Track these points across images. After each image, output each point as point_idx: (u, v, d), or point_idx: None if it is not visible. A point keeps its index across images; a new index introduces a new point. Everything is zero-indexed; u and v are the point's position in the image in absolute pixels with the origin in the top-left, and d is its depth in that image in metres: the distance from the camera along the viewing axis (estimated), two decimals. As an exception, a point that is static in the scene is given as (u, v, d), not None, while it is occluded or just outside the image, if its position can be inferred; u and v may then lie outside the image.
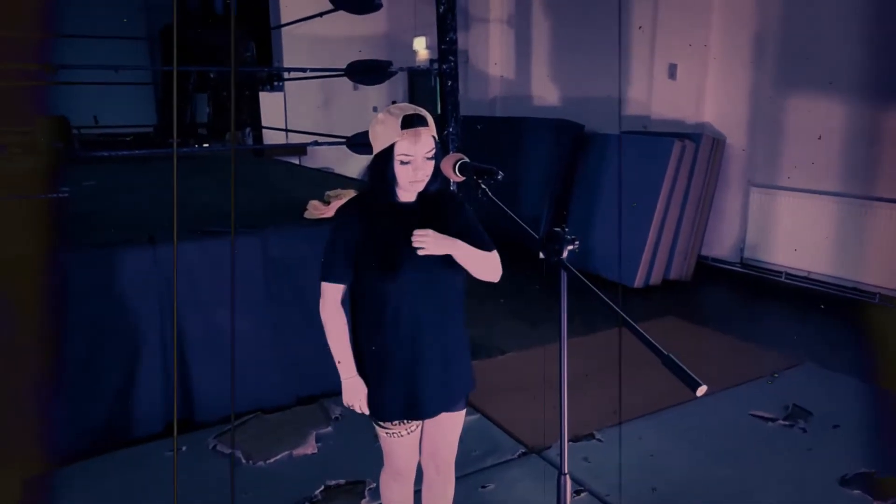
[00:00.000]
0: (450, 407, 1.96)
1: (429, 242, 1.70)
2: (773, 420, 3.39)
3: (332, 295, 1.86)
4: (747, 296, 5.64)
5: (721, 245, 6.07)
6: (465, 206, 1.91)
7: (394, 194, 1.80)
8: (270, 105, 8.33)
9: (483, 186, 1.61)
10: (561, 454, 1.54)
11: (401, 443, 1.96)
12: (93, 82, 7.56)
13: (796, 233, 5.47)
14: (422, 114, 1.75)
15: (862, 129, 5.03)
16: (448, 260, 1.78)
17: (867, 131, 5.00)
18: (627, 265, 5.62)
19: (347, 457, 3.03)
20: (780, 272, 5.63)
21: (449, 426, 2.03)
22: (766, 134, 5.66)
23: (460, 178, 1.70)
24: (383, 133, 1.73)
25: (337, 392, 3.45)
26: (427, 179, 1.78)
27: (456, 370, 1.93)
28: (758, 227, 5.77)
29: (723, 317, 5.25)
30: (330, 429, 3.27)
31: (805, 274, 5.46)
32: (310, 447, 3.11)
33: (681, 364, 1.13)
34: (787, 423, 3.37)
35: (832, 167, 5.25)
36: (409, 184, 1.76)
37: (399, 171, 1.74)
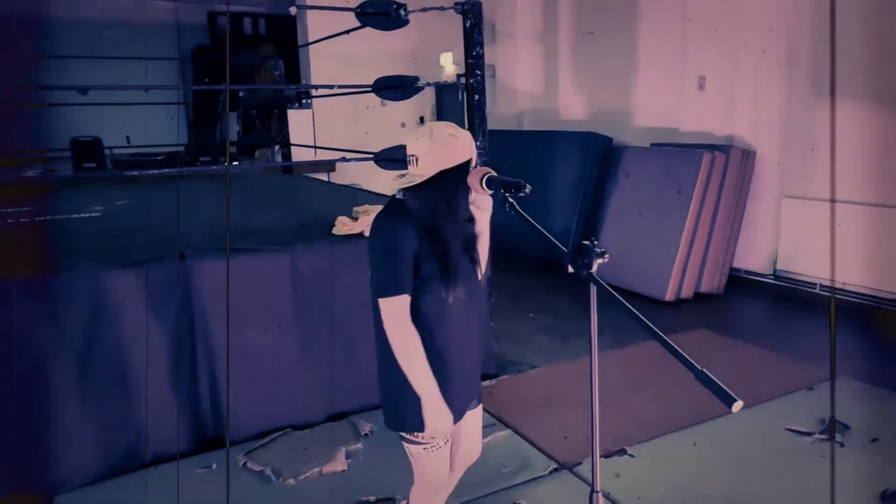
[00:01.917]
0: (475, 403, 2.06)
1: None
2: (809, 434, 3.30)
3: (404, 309, 1.78)
4: (781, 308, 5.52)
5: (754, 257, 5.96)
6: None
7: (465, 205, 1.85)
8: (299, 122, 8.44)
9: (510, 200, 1.62)
10: (593, 471, 1.52)
11: (441, 454, 1.94)
12: (125, 103, 7.77)
13: (829, 243, 5.34)
14: None
15: (897, 137, 4.92)
16: (478, 267, 1.93)
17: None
18: (658, 278, 5.55)
19: (377, 473, 3.02)
20: (815, 284, 5.51)
21: (478, 420, 2.13)
22: (797, 144, 5.56)
23: (487, 192, 1.71)
24: (464, 148, 1.77)
25: (366, 408, 3.50)
26: None
27: (479, 369, 2.10)
28: (791, 238, 5.66)
29: (756, 329, 5.15)
30: (360, 445, 3.27)
31: (840, 285, 5.33)
32: (339, 464, 3.11)
33: (715, 379, 1.11)
34: (824, 437, 3.28)
35: (867, 176, 5.12)
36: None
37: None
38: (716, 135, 5.94)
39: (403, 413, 1.88)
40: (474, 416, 2.08)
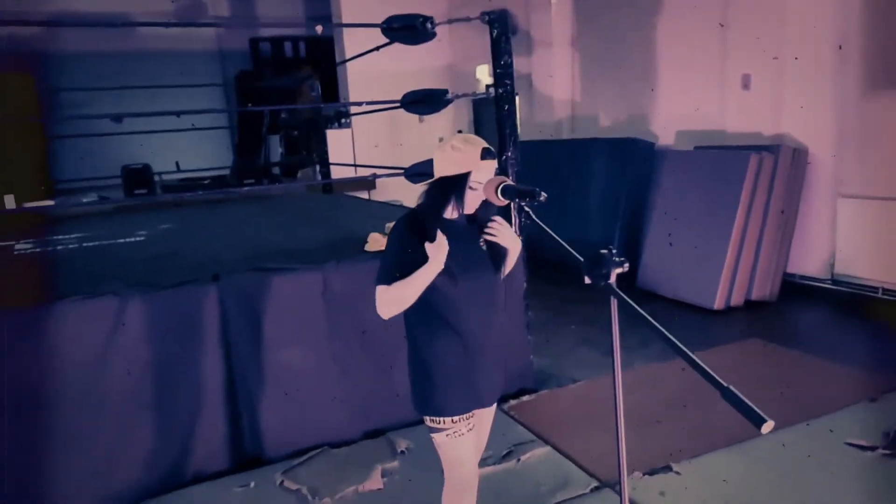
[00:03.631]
0: (497, 398, 2.16)
1: (501, 231, 1.88)
2: (872, 449, 3.08)
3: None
4: (840, 314, 5.22)
5: (809, 261, 5.67)
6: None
7: (458, 212, 1.95)
8: (339, 141, 8.53)
9: (527, 209, 1.56)
10: (621, 494, 1.43)
11: (465, 442, 2.03)
12: (173, 129, 8.02)
13: (891, 244, 5.04)
14: (491, 148, 1.91)
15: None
16: (495, 266, 1.98)
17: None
18: (706, 286, 5.34)
19: (414, 492, 2.97)
20: (877, 287, 5.20)
21: (491, 417, 2.21)
22: (852, 142, 5.28)
23: (504, 202, 1.67)
24: (463, 160, 1.87)
25: (403, 425, 3.45)
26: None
27: (502, 363, 2.11)
28: (849, 240, 5.37)
29: (813, 338, 4.88)
30: (396, 463, 3.22)
31: (903, 288, 5.02)
32: (376, 482, 3.06)
33: (743, 398, 1.01)
34: (888, 451, 3.05)
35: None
36: (472, 206, 1.92)
37: (468, 194, 1.90)
38: (764, 134, 5.71)
39: (426, 397, 2.01)
40: (491, 412, 2.21)
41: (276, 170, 10.65)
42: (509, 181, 1.65)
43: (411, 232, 1.92)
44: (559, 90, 8.09)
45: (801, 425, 3.26)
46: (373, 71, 7.71)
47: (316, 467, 3.24)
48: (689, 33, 6.34)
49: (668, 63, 6.63)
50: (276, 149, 10.84)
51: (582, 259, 1.34)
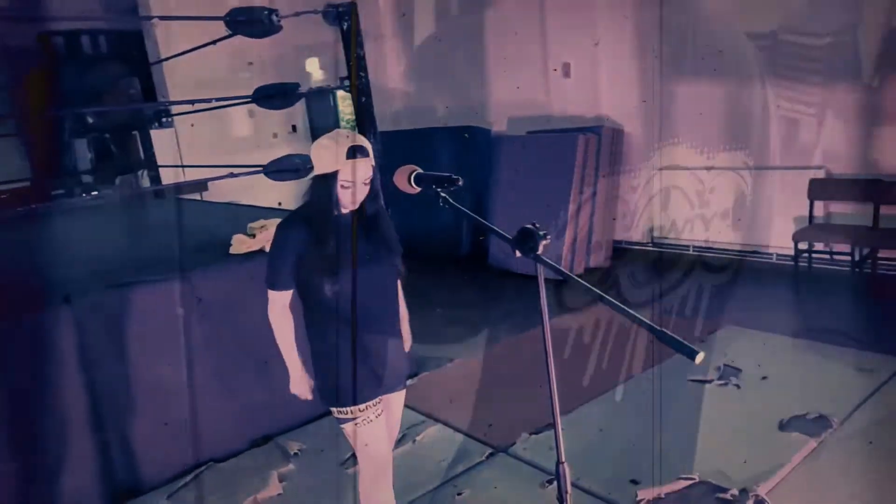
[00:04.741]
0: (404, 383, 2.23)
1: None
2: (709, 382, 3.62)
3: (280, 301, 2.02)
4: (663, 272, 5.95)
5: (632, 229, 6.38)
6: (392, 225, 2.14)
7: (335, 210, 1.96)
8: (162, 143, 7.95)
9: (443, 195, 1.63)
10: (556, 442, 1.57)
11: (375, 428, 2.08)
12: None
13: (697, 207, 5.84)
14: (364, 145, 1.93)
15: (744, 105, 5.46)
16: (385, 258, 2.04)
17: (750, 106, 5.43)
18: (551, 258, 5.76)
19: (315, 489, 2.94)
20: (687, 245, 6.00)
21: (400, 402, 2.27)
22: (658, 119, 6.01)
23: (416, 190, 1.71)
24: (328, 159, 1.90)
25: (291, 427, 3.39)
26: (362, 199, 1.97)
27: (402, 349, 2.21)
28: (662, 207, 6.12)
29: (645, 295, 5.52)
30: (291, 466, 3.16)
31: (709, 245, 5.85)
32: (274, 488, 2.99)
33: (675, 336, 1.19)
34: (721, 382, 3.61)
35: (722, 143, 5.65)
36: (349, 203, 1.95)
37: (340, 192, 1.93)
38: (586, 117, 6.28)
39: (330, 389, 2.05)
40: (399, 397, 2.25)
41: (86, 178, 9.64)
42: (420, 170, 1.71)
43: (296, 230, 1.95)
44: (394, 81, 8.21)
45: (652, 370, 3.71)
46: (190, 66, 7.26)
47: (204, 485, 3.08)
48: (513, 24, 6.76)
49: (496, 53, 7.02)
50: (85, 154, 9.80)
51: (509, 237, 1.46)
